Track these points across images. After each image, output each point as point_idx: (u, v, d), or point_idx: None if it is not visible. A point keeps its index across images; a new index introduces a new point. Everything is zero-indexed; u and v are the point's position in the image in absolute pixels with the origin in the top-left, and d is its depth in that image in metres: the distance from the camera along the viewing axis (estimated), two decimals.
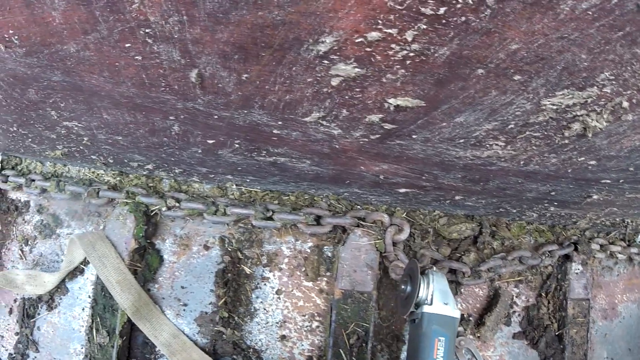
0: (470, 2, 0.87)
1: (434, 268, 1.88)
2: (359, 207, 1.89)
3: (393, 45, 1.01)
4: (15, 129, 1.95)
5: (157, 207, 1.91)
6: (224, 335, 1.87)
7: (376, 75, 1.12)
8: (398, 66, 1.08)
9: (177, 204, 1.90)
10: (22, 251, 2.17)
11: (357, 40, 1.01)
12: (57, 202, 2.12)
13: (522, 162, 1.53)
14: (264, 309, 1.89)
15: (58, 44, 1.17)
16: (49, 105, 1.64)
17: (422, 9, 0.90)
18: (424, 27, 0.95)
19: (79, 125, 1.72)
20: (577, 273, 2.03)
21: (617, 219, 2.01)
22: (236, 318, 1.89)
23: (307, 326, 1.87)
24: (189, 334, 1.90)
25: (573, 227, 2.07)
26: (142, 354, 1.94)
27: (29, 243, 2.15)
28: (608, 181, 1.66)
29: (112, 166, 2.01)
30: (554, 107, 1.20)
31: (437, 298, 1.67)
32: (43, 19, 1.07)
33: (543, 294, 2.05)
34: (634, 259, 2.21)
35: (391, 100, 1.21)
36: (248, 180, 1.87)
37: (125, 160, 1.92)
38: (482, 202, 1.81)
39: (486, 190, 1.71)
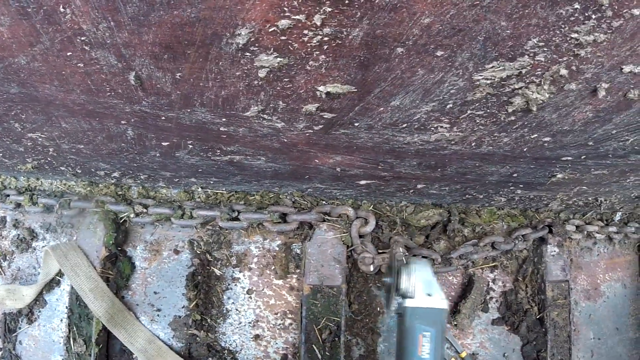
0: None
1: (418, 257, 1.80)
2: (324, 202, 1.89)
3: (305, 32, 1.02)
4: None
5: (126, 214, 1.93)
6: (197, 338, 1.87)
7: (299, 63, 1.13)
8: (317, 52, 1.08)
9: (144, 210, 1.92)
10: (0, 266, 2.20)
11: (270, 30, 1.02)
12: (32, 216, 2.15)
13: (473, 144, 1.51)
14: (236, 310, 1.90)
15: (10, 57, 1.20)
16: (12, 118, 1.67)
17: None
18: (329, 9, 0.95)
19: (42, 135, 1.75)
20: (553, 255, 2.00)
21: (590, 198, 1.98)
22: (209, 320, 1.89)
23: (280, 324, 1.87)
24: (164, 339, 1.92)
25: (545, 209, 2.04)
26: None
27: (7, 258, 2.19)
28: (569, 158, 1.64)
29: (82, 176, 2.04)
30: (488, 82, 1.18)
31: (420, 289, 1.58)
32: None
33: (520, 279, 2.03)
34: (614, 238, 2.17)
35: (321, 88, 1.21)
36: (212, 182, 1.88)
37: (92, 170, 1.94)
38: (445, 189, 1.80)
39: (446, 176, 1.70)
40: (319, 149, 1.53)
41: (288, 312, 1.87)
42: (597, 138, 1.52)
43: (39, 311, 2.08)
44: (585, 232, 2.07)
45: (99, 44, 1.12)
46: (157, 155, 1.70)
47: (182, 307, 1.92)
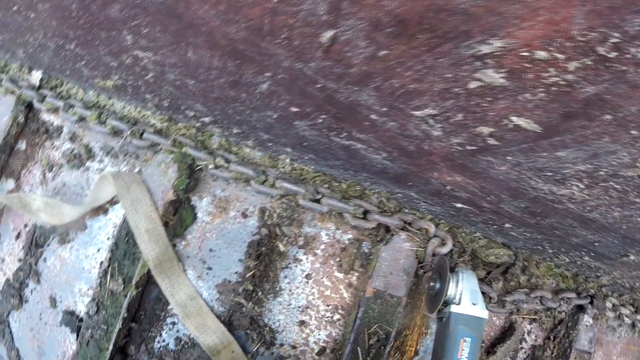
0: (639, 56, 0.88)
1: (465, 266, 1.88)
2: (406, 210, 1.87)
3: (550, 69, 1.01)
4: (72, 47, 1.84)
5: (205, 163, 1.84)
6: (243, 308, 1.81)
7: (516, 91, 1.11)
8: (541, 89, 1.08)
9: (225, 164, 1.84)
10: (44, 176, 2.05)
11: (521, 53, 1.00)
12: (94, 135, 2.02)
13: (588, 208, 1.55)
14: (290, 290, 1.85)
15: None
16: (129, 28, 1.52)
17: (597, 48, 0.90)
18: (589, 62, 0.95)
19: (153, 58, 1.62)
20: (586, 325, 2.08)
21: (637, 284, 2.08)
22: (260, 293, 1.84)
23: (328, 317, 1.84)
24: (206, 299, 1.84)
25: (594, 280, 2.12)
26: (152, 309, 1.86)
27: (54, 170, 2.04)
28: None
29: (164, 110, 1.92)
30: None
31: (466, 298, 1.66)
32: None
33: (551, 338, 2.10)
34: (637, 325, 2.29)
35: (514, 118, 1.21)
36: (305, 158, 1.82)
37: (182, 108, 1.84)
38: (527, 235, 1.83)
39: (539, 225, 1.73)
40: (449, 165, 1.52)
41: (340, 307, 1.84)
42: None
43: (76, 234, 1.95)
44: (618, 313, 2.17)
45: None
46: (273, 116, 1.62)
47: (235, 273, 1.85)
